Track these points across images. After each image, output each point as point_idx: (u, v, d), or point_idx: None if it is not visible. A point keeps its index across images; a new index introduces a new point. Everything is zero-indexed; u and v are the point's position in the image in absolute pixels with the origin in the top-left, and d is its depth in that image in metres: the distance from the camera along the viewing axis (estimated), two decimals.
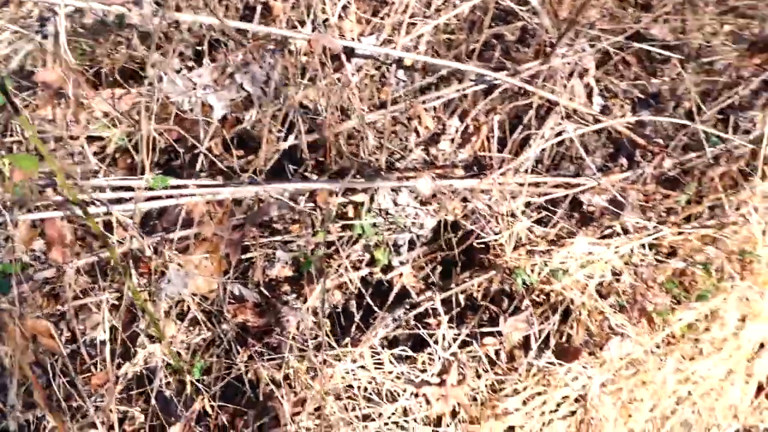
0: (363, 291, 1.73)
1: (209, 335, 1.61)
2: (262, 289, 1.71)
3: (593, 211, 1.86)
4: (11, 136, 1.46)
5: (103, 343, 1.48)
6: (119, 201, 1.42)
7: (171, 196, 1.44)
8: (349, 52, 1.62)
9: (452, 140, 1.87)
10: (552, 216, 1.79)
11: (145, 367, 1.53)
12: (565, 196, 1.82)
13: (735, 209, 1.83)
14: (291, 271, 1.79)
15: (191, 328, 1.57)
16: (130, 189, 1.43)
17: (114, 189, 1.41)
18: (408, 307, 1.72)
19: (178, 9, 1.38)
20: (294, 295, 1.75)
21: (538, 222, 1.81)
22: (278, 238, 1.71)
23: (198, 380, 1.53)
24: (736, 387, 1.88)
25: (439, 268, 1.84)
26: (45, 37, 1.34)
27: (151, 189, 1.41)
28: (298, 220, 1.79)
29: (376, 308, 1.70)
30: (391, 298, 1.73)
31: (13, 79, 1.38)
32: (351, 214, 1.77)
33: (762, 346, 1.87)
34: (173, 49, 1.42)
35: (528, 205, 1.80)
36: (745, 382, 1.90)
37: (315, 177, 1.69)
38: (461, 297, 1.76)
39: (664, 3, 2.09)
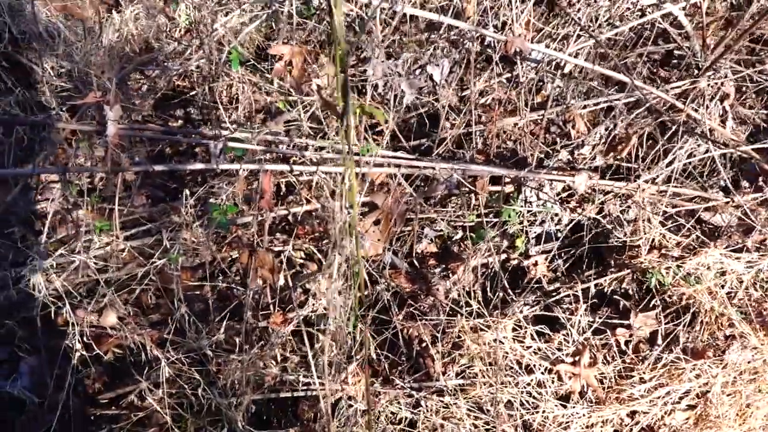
0: (501, 273, 1.93)
1: (366, 293, 1.83)
2: (413, 260, 1.94)
3: (721, 225, 2.02)
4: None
5: (282, 288, 1.73)
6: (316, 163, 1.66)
7: (366, 162, 1.67)
8: (522, 57, 1.83)
9: (594, 146, 2.06)
10: (684, 225, 1.95)
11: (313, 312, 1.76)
12: (694, 210, 1.98)
13: None
14: (435, 248, 2.00)
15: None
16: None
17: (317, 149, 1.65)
18: (543, 293, 1.91)
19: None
20: (439, 269, 1.97)
21: (672, 231, 1.98)
22: (436, 215, 1.92)
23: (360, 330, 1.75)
24: None
25: (569, 263, 2.03)
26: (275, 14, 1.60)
27: (357, 155, 1.64)
28: (445, 203, 2.01)
29: (510, 292, 1.90)
30: (526, 283, 1.93)
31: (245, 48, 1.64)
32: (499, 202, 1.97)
33: None
34: (382, 40, 1.66)
35: (663, 213, 1.97)
36: None
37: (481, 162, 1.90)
38: (594, 290, 1.94)
39: None
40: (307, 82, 1.66)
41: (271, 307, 1.74)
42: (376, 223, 1.82)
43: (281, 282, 1.73)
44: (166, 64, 1.77)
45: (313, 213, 1.83)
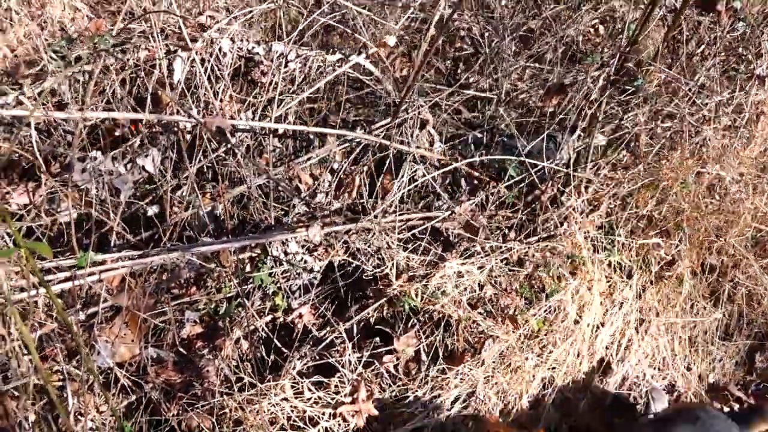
0: (270, 335, 2.02)
1: (134, 398, 1.81)
2: (179, 348, 1.95)
3: (452, 235, 2.34)
4: None
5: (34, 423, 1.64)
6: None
7: (92, 273, 1.66)
8: (232, 129, 1.96)
9: (326, 193, 2.27)
10: (421, 244, 2.23)
11: None
12: (427, 228, 2.28)
13: (560, 223, 2.41)
14: (201, 328, 2.04)
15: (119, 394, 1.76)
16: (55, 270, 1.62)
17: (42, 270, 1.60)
18: (314, 341, 2.04)
19: (80, 109, 1.64)
20: (207, 350, 2.00)
21: (414, 252, 2.24)
22: (185, 300, 1.96)
23: None
24: (584, 364, 2.42)
25: (334, 304, 2.20)
26: None
27: (80, 267, 1.62)
28: (198, 281, 2.06)
29: (284, 349, 2.01)
30: (296, 336, 2.05)
31: None
32: (248, 268, 2.08)
33: (597, 327, 2.44)
34: (78, 143, 1.66)
35: (400, 240, 2.22)
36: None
37: (214, 240, 1.98)
38: (359, 325, 2.12)
39: (478, 56, 2.69)
40: None
41: None
42: (126, 324, 1.82)
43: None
44: None
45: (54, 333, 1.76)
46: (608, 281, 2.42)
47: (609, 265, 2.45)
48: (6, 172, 1.73)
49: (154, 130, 1.83)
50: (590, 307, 2.39)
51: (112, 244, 1.77)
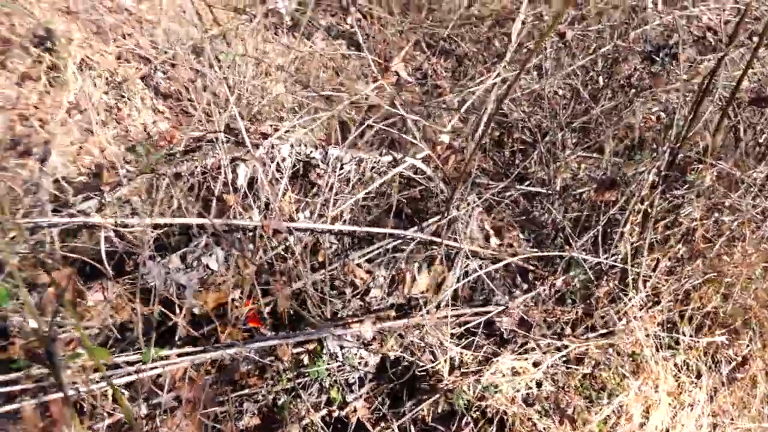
0: (325, 429, 2.07)
1: None
2: None
3: (506, 331, 2.36)
4: None
5: None
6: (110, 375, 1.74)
7: (155, 367, 1.78)
8: (291, 228, 2.11)
9: (381, 288, 2.35)
10: (475, 340, 2.26)
11: None
12: (480, 323, 2.30)
13: (619, 319, 2.38)
14: (259, 420, 2.11)
15: None
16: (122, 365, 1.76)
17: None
18: None
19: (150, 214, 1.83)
20: None
21: (467, 347, 2.27)
22: (245, 391, 2.05)
23: None
24: None
25: (388, 399, 2.23)
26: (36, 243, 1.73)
27: (144, 362, 1.75)
28: (257, 373, 2.15)
29: None
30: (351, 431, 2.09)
31: None
32: (306, 361, 2.15)
33: (667, 431, 2.34)
34: (147, 245, 1.84)
35: (453, 335, 2.26)
36: None
37: (272, 335, 2.09)
38: (413, 423, 2.14)
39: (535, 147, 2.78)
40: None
41: None
42: (186, 416, 1.91)
43: None
44: None
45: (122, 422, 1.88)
46: (676, 380, 2.35)
47: (675, 365, 2.38)
48: (83, 271, 1.91)
49: (217, 231, 1.99)
50: (657, 408, 2.31)
51: (176, 337, 1.90)
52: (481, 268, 2.38)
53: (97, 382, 1.66)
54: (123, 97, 3.30)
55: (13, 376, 1.63)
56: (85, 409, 1.97)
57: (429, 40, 3.84)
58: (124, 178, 1.95)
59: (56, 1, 3.63)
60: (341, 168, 2.23)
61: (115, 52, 3.52)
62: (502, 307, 2.35)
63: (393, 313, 2.28)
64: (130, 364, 1.77)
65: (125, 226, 1.78)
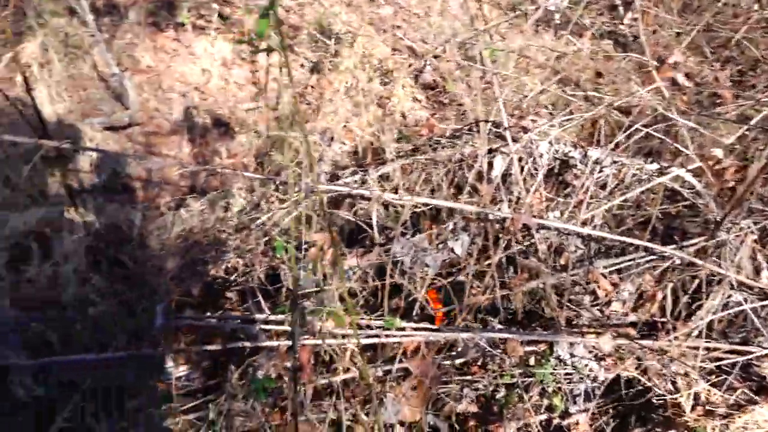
0: None
1: None
2: (453, 422, 2.06)
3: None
4: None
5: None
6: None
7: (394, 336, 1.89)
8: (538, 226, 2.08)
9: (624, 303, 2.21)
10: (727, 379, 2.02)
11: None
12: (736, 363, 2.05)
13: None
14: (476, 407, 2.13)
15: None
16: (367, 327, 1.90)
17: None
18: None
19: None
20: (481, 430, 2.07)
21: (716, 386, 2.04)
22: (468, 378, 2.07)
23: None
24: None
25: (615, 421, 2.09)
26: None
27: (386, 329, 1.87)
28: (481, 362, 2.17)
29: None
30: None
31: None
32: (532, 362, 2.11)
33: None
34: (401, 222, 1.96)
35: (701, 368, 2.05)
36: None
37: (505, 328, 2.08)
38: None
39: None
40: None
41: None
42: (413, 388, 2.00)
43: None
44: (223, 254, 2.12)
45: (354, 380, 2.03)
46: None
47: None
48: (341, 237, 2.10)
49: (467, 217, 2.04)
50: None
51: (414, 313, 1.99)
52: (746, 302, 2.11)
53: (343, 337, 1.81)
54: (388, 83, 3.52)
55: (280, 317, 1.85)
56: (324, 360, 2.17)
57: (710, 44, 3.49)
58: (388, 159, 2.09)
59: None
60: (600, 171, 2.13)
61: (388, 43, 3.78)
62: (767, 351, 2.06)
63: (633, 331, 2.13)
64: (371, 329, 1.90)
65: (387, 204, 1.90)
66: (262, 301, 1.93)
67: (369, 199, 2.10)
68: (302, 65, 3.73)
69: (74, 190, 2.37)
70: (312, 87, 3.63)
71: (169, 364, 1.89)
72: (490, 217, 2.06)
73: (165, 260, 2.03)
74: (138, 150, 2.95)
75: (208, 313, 1.99)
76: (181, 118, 3.29)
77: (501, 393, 2.12)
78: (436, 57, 3.69)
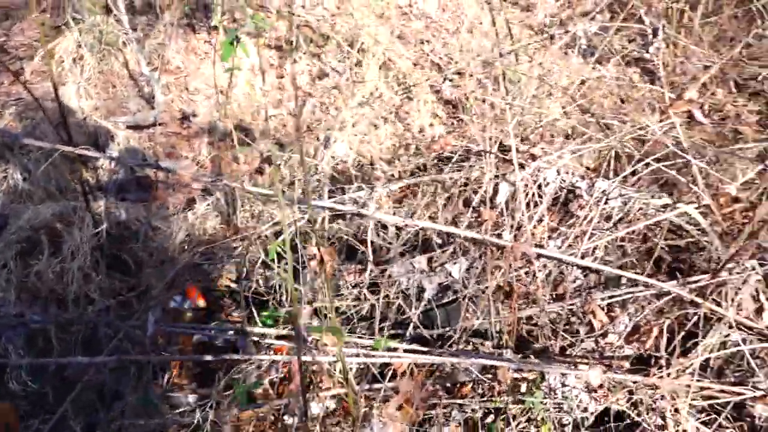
0: None
1: None
2: None
3: (760, 420, 2.05)
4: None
5: None
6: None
7: (384, 356, 1.93)
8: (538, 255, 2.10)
9: (619, 335, 2.22)
10: (717, 418, 2.01)
11: None
12: (729, 402, 2.04)
13: None
14: (462, 431, 2.15)
15: None
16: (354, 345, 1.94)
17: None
18: None
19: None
20: None
21: (707, 424, 2.03)
22: (457, 400, 2.10)
23: None
24: None
25: None
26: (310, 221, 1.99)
27: (375, 348, 1.91)
28: (472, 387, 2.19)
29: None
30: None
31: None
32: (523, 389, 2.13)
33: None
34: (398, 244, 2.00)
35: (692, 406, 2.04)
36: None
37: (497, 353, 2.11)
38: None
39: None
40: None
41: None
42: (399, 408, 2.03)
43: None
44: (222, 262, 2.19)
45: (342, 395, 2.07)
46: None
47: None
48: (340, 251, 2.14)
49: (466, 242, 2.07)
50: None
51: (407, 334, 2.03)
52: (744, 342, 2.10)
53: (333, 355, 1.85)
54: (409, 98, 3.56)
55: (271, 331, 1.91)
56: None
57: (738, 78, 3.45)
58: (395, 175, 2.13)
59: (372, 4, 4.04)
60: (606, 202, 2.14)
61: (412, 57, 3.82)
62: (761, 393, 2.05)
63: (626, 365, 2.14)
64: (362, 347, 1.94)
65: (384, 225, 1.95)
66: (255, 314, 1.99)
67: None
68: (327, 74, 3.80)
69: (89, 187, 2.46)
70: (334, 96, 3.69)
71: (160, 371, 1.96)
72: (490, 243, 2.09)
73: (166, 265, 2.10)
74: (158, 150, 3.05)
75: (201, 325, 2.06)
76: (203, 121, 3.38)
77: (490, 418, 2.15)
78: (459, 74, 3.72)
